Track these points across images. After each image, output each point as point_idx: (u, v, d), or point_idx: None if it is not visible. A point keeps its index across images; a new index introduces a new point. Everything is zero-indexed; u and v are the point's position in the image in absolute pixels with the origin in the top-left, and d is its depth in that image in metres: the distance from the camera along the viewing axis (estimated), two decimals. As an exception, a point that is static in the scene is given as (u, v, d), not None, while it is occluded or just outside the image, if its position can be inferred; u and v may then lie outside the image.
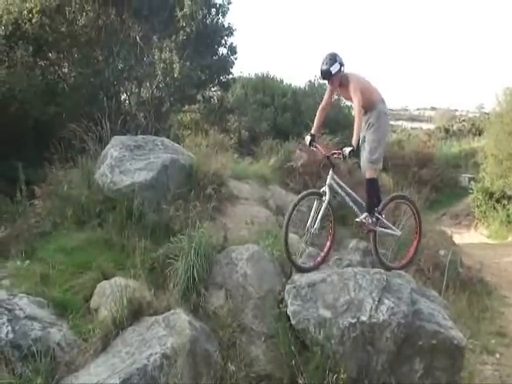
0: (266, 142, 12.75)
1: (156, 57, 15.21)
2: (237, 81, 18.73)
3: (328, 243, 6.87)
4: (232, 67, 16.39)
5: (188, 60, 14.72)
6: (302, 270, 6.57)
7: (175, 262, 6.28)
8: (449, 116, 43.96)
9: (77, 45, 14.11)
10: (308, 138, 6.98)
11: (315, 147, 6.99)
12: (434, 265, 9.14)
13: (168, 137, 10.30)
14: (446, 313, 6.50)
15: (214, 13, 15.71)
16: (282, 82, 21.35)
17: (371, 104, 6.83)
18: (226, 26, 16.00)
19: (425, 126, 43.50)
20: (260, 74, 22.01)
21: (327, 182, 6.69)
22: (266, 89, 19.59)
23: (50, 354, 5.05)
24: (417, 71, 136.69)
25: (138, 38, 14.69)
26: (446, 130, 36.74)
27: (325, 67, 6.62)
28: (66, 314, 5.82)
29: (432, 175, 21.24)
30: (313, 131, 7.04)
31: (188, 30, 14.81)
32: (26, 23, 13.07)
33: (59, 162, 8.73)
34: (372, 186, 6.91)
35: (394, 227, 7.23)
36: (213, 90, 17.48)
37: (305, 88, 20.91)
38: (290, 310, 5.99)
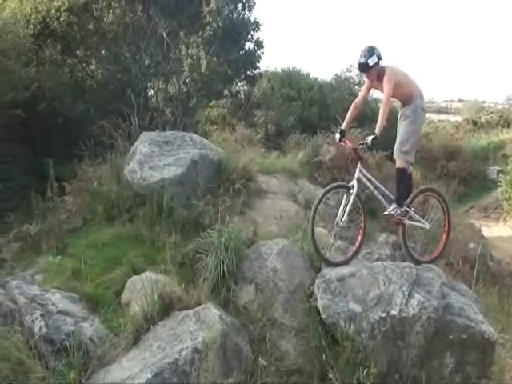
0: (294, 137, 12.67)
1: (183, 53, 15.23)
2: (263, 75, 18.69)
3: (359, 237, 6.83)
4: (259, 62, 16.37)
5: (215, 55, 14.73)
6: (332, 264, 6.54)
7: (205, 257, 6.30)
8: (476, 108, 43.16)
9: (104, 42, 14.21)
10: (338, 136, 6.98)
11: (344, 142, 6.98)
12: (463, 258, 9.04)
13: (196, 132, 10.33)
14: (477, 307, 6.42)
15: (240, 8, 15.69)
16: (308, 75, 21.25)
17: (409, 98, 6.83)
18: (253, 20, 15.97)
19: (452, 118, 42.81)
20: (286, 69, 21.96)
21: (355, 176, 6.70)
22: (292, 83, 19.49)
23: (82, 349, 5.11)
24: (444, 63, 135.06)
25: (164, 34, 14.73)
26: (474, 122, 36.20)
27: (362, 60, 6.66)
28: (98, 308, 5.89)
29: (460, 168, 20.94)
30: (343, 127, 7.03)
31: (214, 25, 14.79)
32: (53, 22, 13.18)
33: (88, 159, 8.80)
34: (402, 177, 6.84)
35: (423, 220, 7.16)
36: (239, 84, 17.47)
37: (331, 82, 20.79)
38: (319, 304, 5.98)
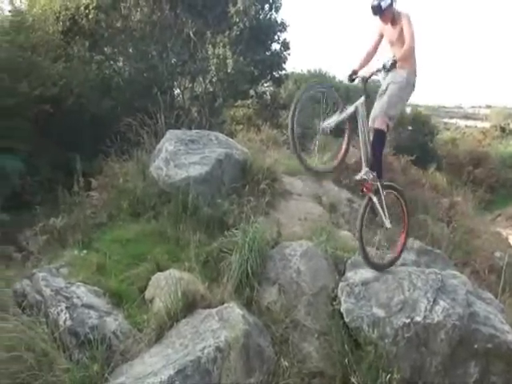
0: (319, 138, 12.63)
1: (209, 52, 15.31)
2: (289, 76, 18.66)
3: (402, 237, 6.77)
4: (285, 63, 16.37)
5: (241, 55, 14.77)
6: (377, 268, 6.43)
7: (229, 256, 6.28)
8: (505, 114, 42.62)
9: (131, 40, 14.33)
10: (348, 73, 6.68)
11: (355, 75, 6.63)
12: (489, 267, 8.96)
13: (221, 132, 10.35)
14: (503, 316, 6.34)
15: (267, 8, 15.72)
16: (334, 78, 21.21)
17: (407, 59, 6.42)
18: (279, 21, 16.01)
19: (480, 124, 42.37)
20: (312, 70, 21.91)
21: (356, 103, 6.34)
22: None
23: (105, 342, 5.11)
24: (472, 68, 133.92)
25: (191, 33, 14.82)
26: (502, 129, 35.92)
27: (375, 2, 6.30)
28: (122, 303, 5.90)
29: (487, 175, 20.76)
30: (355, 67, 6.68)
31: (241, 25, 14.84)
32: (82, 19, 13.32)
33: (115, 155, 8.86)
34: (379, 139, 6.46)
35: (386, 214, 6.52)
36: (265, 85, 17.47)
37: (357, 84, 20.46)
38: (343, 307, 5.94)
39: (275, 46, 16.12)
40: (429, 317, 5.72)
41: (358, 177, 6.41)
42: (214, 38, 15.42)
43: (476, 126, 40.48)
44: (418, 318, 5.70)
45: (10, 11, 12.00)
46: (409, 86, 6.54)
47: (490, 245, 10.03)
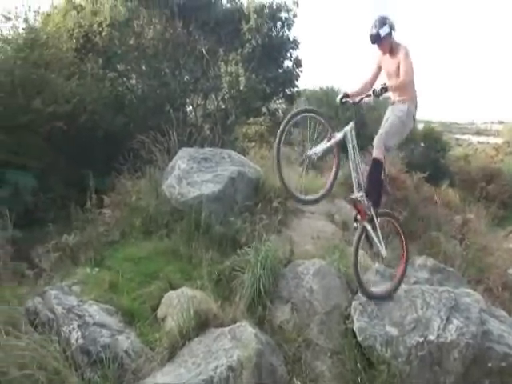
0: (331, 156, 12.62)
1: (222, 69, 15.31)
2: (302, 93, 18.65)
3: (400, 268, 6.65)
4: (297, 80, 16.30)
5: (254, 73, 14.76)
6: (373, 297, 6.33)
7: (241, 275, 6.31)
8: (517, 130, 42.55)
9: (144, 57, 14.38)
10: (340, 96, 6.69)
11: (346, 99, 6.61)
12: (503, 284, 8.90)
13: (234, 149, 10.37)
14: (517, 335, 6.29)
15: (279, 26, 15.69)
16: (345, 95, 21.16)
17: (407, 92, 6.49)
18: (292, 39, 15.97)
19: (492, 140, 42.17)
20: (324, 87, 21.94)
21: (345, 129, 6.31)
22: (330, 102, 19.39)
23: (117, 361, 5.11)
24: (484, 84, 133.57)
25: (204, 50, 14.86)
26: (515, 145, 35.77)
27: (374, 31, 6.31)
28: (134, 322, 5.91)
29: (500, 191, 20.61)
30: (348, 91, 6.67)
31: (254, 42, 14.85)
32: (95, 36, 13.41)
33: (127, 172, 8.90)
34: (376, 168, 6.38)
35: (382, 242, 6.49)
36: (278, 102, 17.45)
37: (369, 101, 20.46)
38: (356, 326, 5.94)
39: (287, 64, 16.08)
40: (442, 335, 5.71)
41: (352, 195, 6.39)
42: (226, 55, 15.45)
43: (488, 142, 40.29)
44: (432, 337, 5.70)
45: (23, 28, 12.10)
46: (409, 119, 6.55)
47: (504, 262, 9.96)
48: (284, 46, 15.68)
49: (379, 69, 6.74)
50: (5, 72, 10.60)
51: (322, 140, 6.17)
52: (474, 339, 5.70)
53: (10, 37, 11.90)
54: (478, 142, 40.80)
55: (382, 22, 6.33)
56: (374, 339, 5.77)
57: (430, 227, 9.09)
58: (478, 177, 20.97)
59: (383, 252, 6.42)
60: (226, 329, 5.63)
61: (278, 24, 15.59)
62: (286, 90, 16.15)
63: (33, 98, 10.57)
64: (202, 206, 7.48)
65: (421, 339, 5.69)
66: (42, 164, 10.33)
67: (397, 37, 6.45)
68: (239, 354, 5.19)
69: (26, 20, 12.11)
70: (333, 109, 17.58)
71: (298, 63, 16.02)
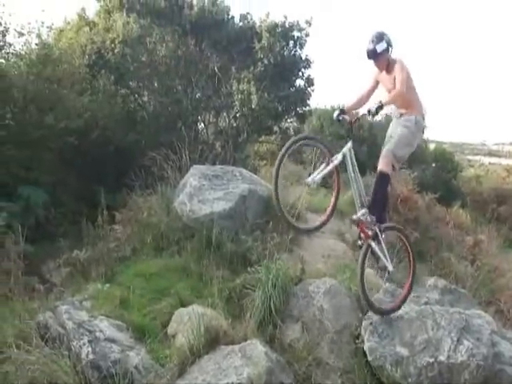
0: (342, 175, 12.62)
1: (234, 87, 15.40)
2: (313, 112, 18.67)
3: (406, 287, 6.54)
4: (309, 99, 16.36)
5: (266, 91, 14.81)
6: (379, 312, 6.26)
7: (252, 293, 6.29)
8: (529, 151, 42.47)
9: (157, 74, 14.49)
10: (336, 112, 6.37)
11: (342, 117, 6.31)
12: (514, 305, 8.82)
13: (245, 167, 10.40)
14: (528, 357, 6.23)
15: (291, 45, 15.78)
16: (356, 114, 21.10)
17: (412, 105, 6.41)
18: (304, 58, 16.04)
19: (504, 161, 42.01)
20: (336, 106, 21.95)
21: (343, 150, 6.07)
22: (342, 121, 19.27)
23: (128, 377, 5.09)
24: (496, 105, 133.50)
25: (216, 68, 14.97)
26: (527, 166, 35.53)
27: (371, 46, 6.19)
28: (144, 338, 5.88)
29: (511, 213, 20.46)
30: (345, 107, 6.45)
31: (266, 61, 14.92)
32: (108, 53, 13.53)
33: (139, 189, 8.93)
34: (382, 182, 6.26)
35: (388, 257, 6.35)
36: (289, 121, 17.48)
37: (381, 120, 20.65)
38: (366, 346, 5.90)
39: (299, 82, 16.15)
40: (453, 356, 5.66)
41: (354, 217, 6.23)
42: (238, 73, 15.54)
43: (500, 164, 40.13)
44: (442, 358, 5.64)
45: (36, 44, 12.22)
46: (418, 130, 6.47)
47: (515, 283, 9.87)
48: (296, 64, 15.76)
49: (376, 83, 6.63)
50: (18, 87, 10.69)
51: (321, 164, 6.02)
52: (484, 361, 5.65)
53: (23, 52, 12.02)
54: (490, 163, 40.60)
55: (380, 37, 6.22)
56: (384, 359, 5.72)
57: (441, 248, 9.05)
58: (489, 198, 20.81)
59: (389, 267, 6.31)
60: (237, 346, 5.60)
61: (291, 43, 15.68)
62: (298, 109, 16.20)
63: (45, 114, 10.66)
64: (214, 224, 7.48)
65: (431, 360, 5.63)
66: (54, 179, 10.40)
67: (394, 54, 6.35)
68: (249, 371, 5.16)
69: (38, 35, 12.24)
70: (344, 128, 17.57)
71: (309, 82, 16.07)
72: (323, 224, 6.34)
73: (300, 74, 16.00)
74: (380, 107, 5.84)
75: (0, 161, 9.52)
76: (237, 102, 15.13)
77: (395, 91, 6.07)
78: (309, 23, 15.64)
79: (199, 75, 14.55)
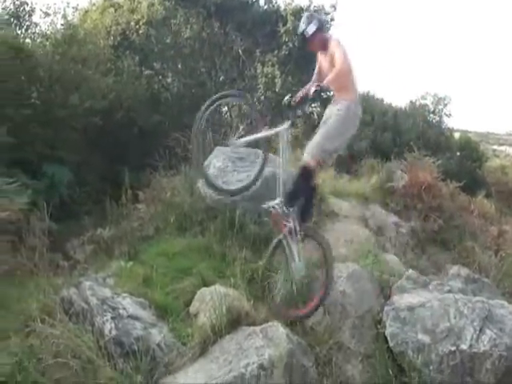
0: (367, 161, 12.58)
1: (258, 70, 15.35)
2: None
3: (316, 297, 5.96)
4: (333, 84, 16.28)
5: (290, 75, 14.77)
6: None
7: (274, 275, 6.27)
8: None
9: (181, 56, 14.52)
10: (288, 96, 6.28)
11: (289, 102, 6.22)
12: (539, 296, 8.73)
13: (269, 150, 10.36)
14: (552, 348, 6.17)
15: (316, 29, 15.69)
16: (382, 101, 21.00)
17: (345, 89, 6.03)
18: (329, 42, 15.96)
19: (533, 151, 41.51)
20: (360, 92, 21.79)
21: (280, 128, 6.13)
22: (366, 107, 19.15)
23: (150, 354, 5.08)
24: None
25: (240, 51, 14.94)
26: (558, 155, 35.11)
27: (301, 29, 6.08)
28: (166, 316, 5.88)
29: (539, 203, 20.17)
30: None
31: (290, 44, 14.86)
32: (133, 34, 13.61)
33: (162, 169, 8.94)
34: (303, 175, 6.01)
35: (298, 262, 6.04)
36: (313, 105, 17.42)
37: (405, 108, 20.48)
38: (388, 331, 5.87)
39: (324, 66, 16.08)
40: (475, 346, 5.58)
41: (264, 205, 6.14)
42: (262, 56, 15.49)
43: (527, 153, 39.61)
44: (464, 347, 5.57)
45: (62, 24, 12.29)
46: (349, 118, 6.04)
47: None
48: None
49: (320, 64, 6.43)
50: (43, 67, 10.77)
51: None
52: (507, 351, 5.56)
53: (48, 32, 12.11)
54: (517, 153, 40.12)
55: (310, 18, 6.03)
56: (405, 345, 5.69)
57: (464, 236, 8.97)
58: (514, 189, 20.53)
59: (297, 273, 6.02)
60: (258, 328, 5.57)
61: (316, 27, 15.55)
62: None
63: (70, 94, 10.73)
64: (237, 205, 7.46)
65: (453, 348, 5.56)
66: (78, 158, 10.49)
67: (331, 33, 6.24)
68: (270, 353, 5.14)
69: (64, 16, 12.36)
70: (368, 114, 17.47)
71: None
72: (244, 189, 6.49)
73: (325, 58, 15.91)
74: (317, 91, 5.66)
75: (25, 139, 9.60)
76: (261, 86, 15.10)
77: (335, 70, 5.69)
78: (334, 7, 15.56)
79: (223, 58, 14.55)
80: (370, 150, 15.05)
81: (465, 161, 18.34)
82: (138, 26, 13.80)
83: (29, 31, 12.39)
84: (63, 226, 8.15)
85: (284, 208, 5.99)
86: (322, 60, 6.24)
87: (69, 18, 12.58)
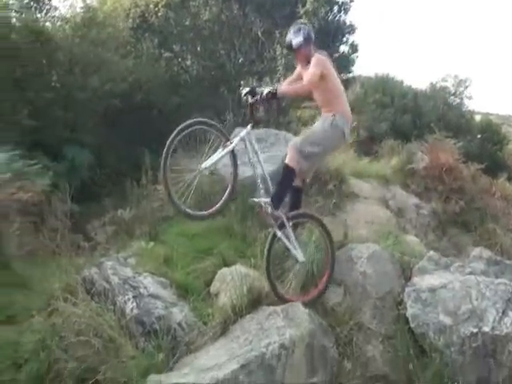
0: (387, 143, 12.46)
1: (277, 52, 15.25)
2: (356, 79, 18.45)
3: (325, 277, 6.10)
4: (353, 65, 16.23)
5: (308, 56, 14.69)
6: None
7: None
8: None
9: (200, 38, 14.48)
10: (246, 89, 6.08)
11: (246, 97, 6.06)
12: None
13: (288, 131, 10.33)
14: None
15: (336, 10, 15.59)
16: (402, 83, 20.81)
17: (330, 106, 6.12)
18: (348, 23, 15.86)
19: None
20: (380, 74, 21.63)
21: (241, 134, 5.99)
22: (385, 89, 19.03)
23: (171, 333, 5.15)
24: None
25: (259, 32, 14.86)
26: None
27: (288, 39, 6.11)
28: (187, 296, 5.94)
29: None
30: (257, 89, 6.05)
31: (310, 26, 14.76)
32: (152, 16, 13.60)
33: (182, 150, 8.94)
34: (286, 175, 6.03)
35: (298, 248, 6.03)
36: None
37: (425, 90, 20.23)
38: (409, 312, 5.85)
39: (343, 48, 16.00)
40: (497, 328, 5.53)
41: (255, 199, 6.08)
42: (282, 38, 15.38)
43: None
44: (486, 329, 5.52)
45: (81, 7, 12.31)
46: (334, 129, 6.04)
47: None
48: (340, 30, 15.58)
49: (298, 76, 6.38)
50: (63, 50, 10.80)
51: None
52: (530, 334, 5.55)
53: (68, 15, 12.13)
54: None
55: (297, 31, 6.06)
56: (426, 326, 5.67)
57: (486, 219, 8.90)
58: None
59: (300, 257, 5.98)
60: (279, 308, 5.58)
61: (335, 8, 15.50)
62: (341, 75, 16.04)
63: (90, 76, 10.76)
64: (256, 186, 7.45)
65: (475, 330, 5.52)
66: (99, 140, 10.51)
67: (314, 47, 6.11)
68: (291, 332, 5.15)
69: (83, -1, 12.33)
70: (388, 96, 17.32)
71: (353, 48, 15.90)
72: (210, 215, 6.05)
73: (344, 39, 15.82)
74: (271, 93, 5.68)
75: (46, 122, 9.65)
76: (280, 67, 15.00)
77: (298, 84, 5.99)
78: (354, -12, 15.41)
79: (242, 39, 14.49)
80: (390, 132, 14.91)
81: (486, 143, 18.15)
82: (156, 9, 13.78)
83: (48, 15, 12.38)
84: (84, 208, 8.21)
85: (270, 206, 5.90)
86: (303, 73, 6.13)
87: (88, 1, 12.59)
